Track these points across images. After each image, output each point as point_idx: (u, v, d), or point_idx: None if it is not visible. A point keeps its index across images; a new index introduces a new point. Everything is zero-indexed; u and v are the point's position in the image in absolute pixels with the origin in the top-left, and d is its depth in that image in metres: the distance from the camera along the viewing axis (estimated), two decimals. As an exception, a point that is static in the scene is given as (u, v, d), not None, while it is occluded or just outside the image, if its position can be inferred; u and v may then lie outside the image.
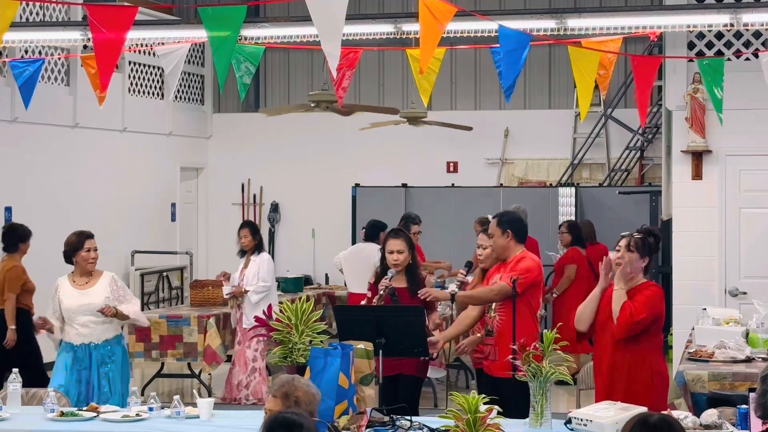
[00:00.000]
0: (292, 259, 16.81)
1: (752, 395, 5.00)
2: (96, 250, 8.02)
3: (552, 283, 12.71)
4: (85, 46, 10.71)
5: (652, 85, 8.28)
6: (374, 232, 12.06)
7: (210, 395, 10.52)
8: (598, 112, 15.93)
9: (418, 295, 7.23)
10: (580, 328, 6.65)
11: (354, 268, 11.56)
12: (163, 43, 8.62)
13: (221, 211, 17.43)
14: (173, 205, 16.55)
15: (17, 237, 10.09)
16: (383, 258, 7.57)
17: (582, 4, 13.86)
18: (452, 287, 7.38)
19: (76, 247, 7.98)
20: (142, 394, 9.50)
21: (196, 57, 17.25)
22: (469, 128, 14.88)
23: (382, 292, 7.31)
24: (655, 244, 6.83)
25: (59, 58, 13.64)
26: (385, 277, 7.37)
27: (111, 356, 7.97)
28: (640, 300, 6.47)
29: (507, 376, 6.82)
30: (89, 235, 8.06)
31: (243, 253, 11.05)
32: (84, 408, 6.42)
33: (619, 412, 5.50)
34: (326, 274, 16.54)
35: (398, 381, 7.33)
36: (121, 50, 6.22)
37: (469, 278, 8.18)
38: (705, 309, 8.60)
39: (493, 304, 7.15)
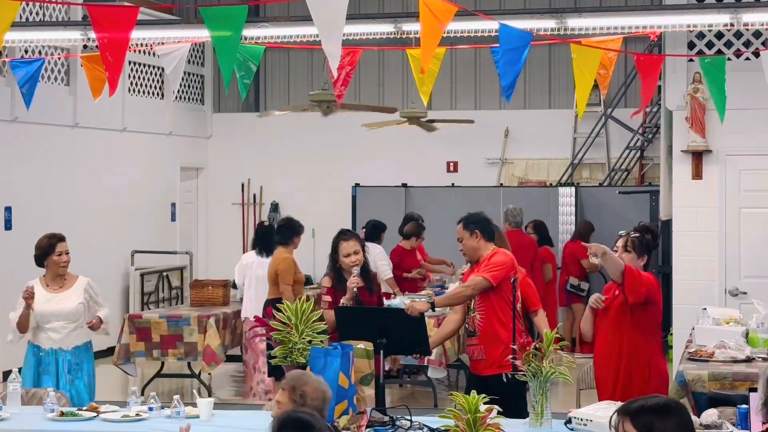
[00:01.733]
0: (292, 259, 16.80)
1: (752, 395, 5.00)
2: (68, 253, 7.79)
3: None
4: (85, 46, 10.71)
5: (656, 84, 8.28)
6: (375, 232, 12.09)
7: (210, 395, 10.51)
8: (598, 112, 15.93)
9: (407, 311, 7.18)
10: (586, 340, 7.04)
11: (353, 267, 11.57)
12: (163, 43, 8.61)
13: (221, 211, 17.43)
14: (173, 205, 16.55)
15: (293, 231, 10.31)
16: (336, 261, 7.56)
17: (582, 4, 13.85)
18: (452, 287, 7.39)
19: (47, 251, 7.77)
20: (142, 394, 9.49)
21: (196, 57, 17.24)
22: (471, 121, 14.91)
23: (355, 289, 7.32)
24: (652, 241, 6.92)
25: (59, 58, 13.64)
26: (353, 275, 7.38)
27: (80, 363, 7.82)
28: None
29: (497, 372, 6.84)
30: (61, 238, 7.84)
31: None
32: (84, 408, 6.43)
33: (619, 412, 5.50)
34: (326, 274, 16.52)
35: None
36: (126, 51, 6.21)
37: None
38: (705, 309, 8.61)
39: (472, 305, 7.13)
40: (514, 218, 12.63)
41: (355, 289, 7.32)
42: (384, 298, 8.46)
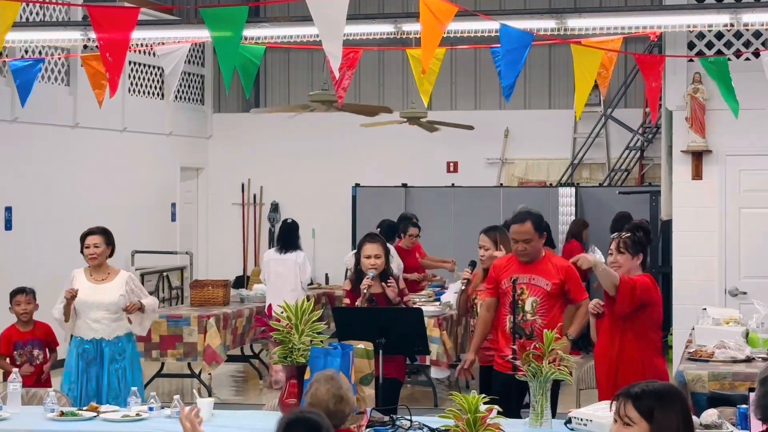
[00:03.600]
0: (292, 259, 16.79)
1: (752, 395, 5.00)
2: (96, 246, 8.03)
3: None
4: (85, 46, 10.70)
5: (660, 83, 8.27)
6: (390, 232, 12.12)
7: (210, 395, 10.51)
8: (598, 112, 15.93)
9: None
10: (594, 343, 7.04)
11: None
12: (163, 43, 8.61)
13: (221, 211, 17.43)
14: (173, 205, 16.55)
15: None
16: (357, 263, 7.57)
17: (582, 4, 13.85)
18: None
19: (81, 245, 8.10)
20: (142, 394, 9.50)
21: (196, 57, 17.24)
22: (471, 127, 14.89)
23: (365, 291, 7.30)
24: (645, 237, 6.92)
25: (59, 58, 13.64)
26: (366, 277, 7.37)
27: (122, 353, 8.05)
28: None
29: None
30: (89, 232, 8.11)
31: None
32: (84, 408, 6.43)
33: (619, 412, 5.50)
34: (326, 274, 16.54)
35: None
36: (126, 52, 6.21)
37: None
38: (705, 309, 8.61)
39: (528, 307, 7.10)
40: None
41: (364, 291, 7.29)
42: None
